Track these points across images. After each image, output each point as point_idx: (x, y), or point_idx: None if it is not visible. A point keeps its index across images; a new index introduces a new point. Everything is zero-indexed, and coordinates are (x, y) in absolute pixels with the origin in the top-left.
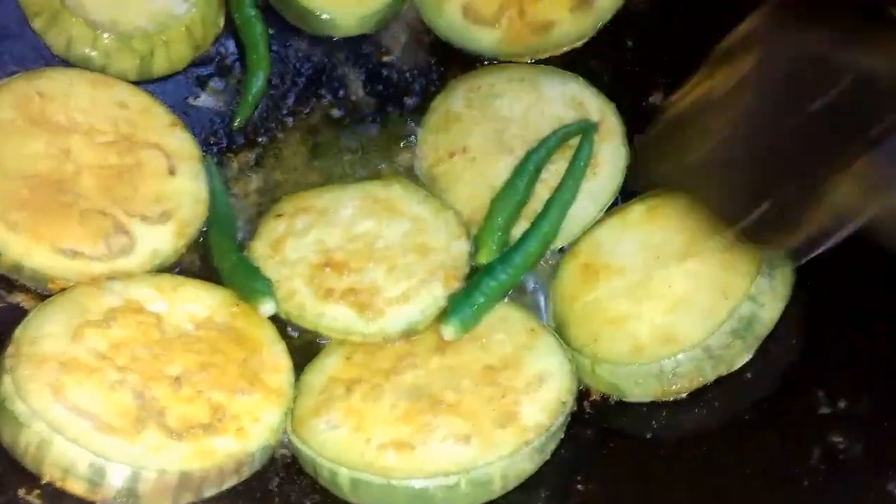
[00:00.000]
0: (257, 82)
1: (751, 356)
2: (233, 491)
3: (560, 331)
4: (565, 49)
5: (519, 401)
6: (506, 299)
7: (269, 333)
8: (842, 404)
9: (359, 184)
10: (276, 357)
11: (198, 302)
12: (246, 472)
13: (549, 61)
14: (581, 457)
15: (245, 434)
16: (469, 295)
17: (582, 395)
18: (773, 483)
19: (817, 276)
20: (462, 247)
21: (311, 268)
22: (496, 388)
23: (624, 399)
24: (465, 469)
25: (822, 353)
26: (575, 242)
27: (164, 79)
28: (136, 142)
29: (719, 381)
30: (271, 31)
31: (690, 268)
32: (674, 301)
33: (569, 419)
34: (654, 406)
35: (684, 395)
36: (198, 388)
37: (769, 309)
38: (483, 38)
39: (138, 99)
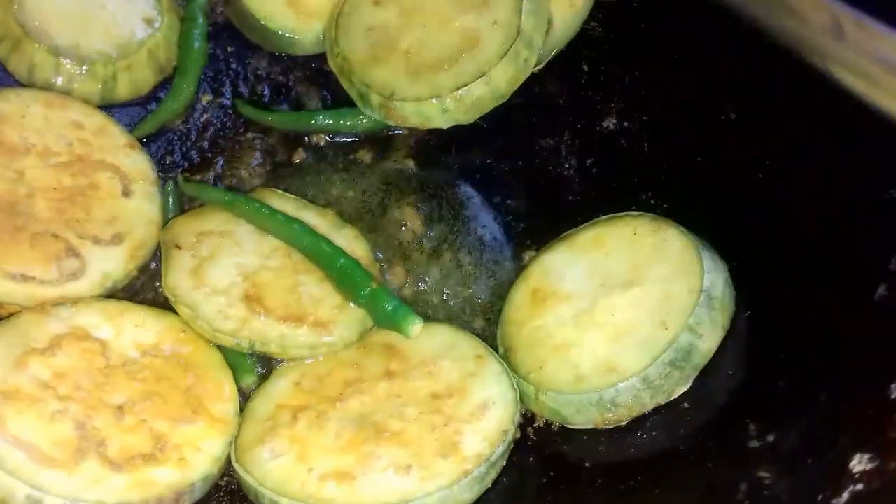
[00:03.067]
0: (173, 105)
1: (688, 386)
2: None
3: (507, 356)
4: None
5: (461, 430)
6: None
7: (216, 359)
8: (770, 438)
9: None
10: (222, 384)
11: (144, 327)
12: (186, 502)
13: None
14: (523, 486)
15: (186, 464)
16: (389, 294)
17: (526, 420)
18: None
19: (756, 308)
20: (364, 248)
21: (246, 293)
22: (440, 416)
23: (567, 425)
24: (404, 500)
25: (757, 385)
26: (526, 266)
27: (127, 104)
28: (90, 162)
29: (658, 409)
30: (231, 49)
31: (633, 296)
32: (616, 330)
33: (511, 447)
34: (595, 434)
35: (624, 423)
36: (140, 417)
37: (707, 340)
38: None
39: (94, 119)
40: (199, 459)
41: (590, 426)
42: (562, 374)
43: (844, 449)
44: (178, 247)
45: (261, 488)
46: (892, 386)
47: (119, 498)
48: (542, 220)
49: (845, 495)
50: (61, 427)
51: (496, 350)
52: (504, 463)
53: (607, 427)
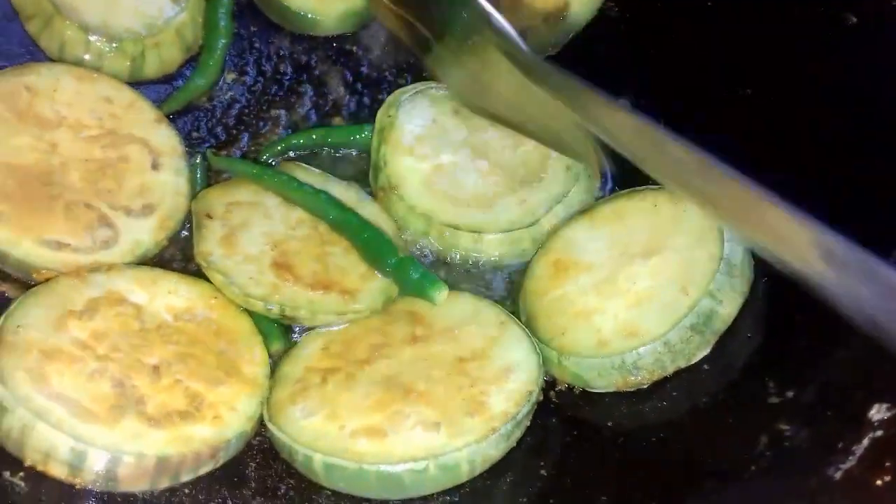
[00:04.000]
0: (199, 82)
1: (708, 351)
2: (210, 476)
3: (530, 324)
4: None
5: (487, 391)
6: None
7: (247, 325)
8: (790, 393)
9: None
10: (253, 348)
11: (177, 294)
12: (222, 459)
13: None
14: (546, 444)
15: (221, 422)
16: (415, 263)
17: (548, 385)
18: (723, 468)
19: (775, 274)
20: (388, 221)
21: (275, 261)
22: (466, 378)
23: (588, 389)
24: (434, 455)
25: (775, 346)
26: (547, 240)
27: (155, 81)
28: (120, 136)
29: (678, 372)
30: (254, 29)
31: (654, 265)
32: (637, 297)
33: (535, 408)
34: (616, 397)
35: (645, 386)
36: (176, 378)
37: (727, 305)
38: None
39: (124, 94)
40: (234, 418)
41: (611, 389)
42: (584, 340)
43: (862, 400)
44: (209, 216)
45: (295, 444)
46: None
47: (159, 450)
48: None
49: (865, 442)
50: (100, 385)
51: (518, 318)
52: (528, 423)
53: (627, 390)
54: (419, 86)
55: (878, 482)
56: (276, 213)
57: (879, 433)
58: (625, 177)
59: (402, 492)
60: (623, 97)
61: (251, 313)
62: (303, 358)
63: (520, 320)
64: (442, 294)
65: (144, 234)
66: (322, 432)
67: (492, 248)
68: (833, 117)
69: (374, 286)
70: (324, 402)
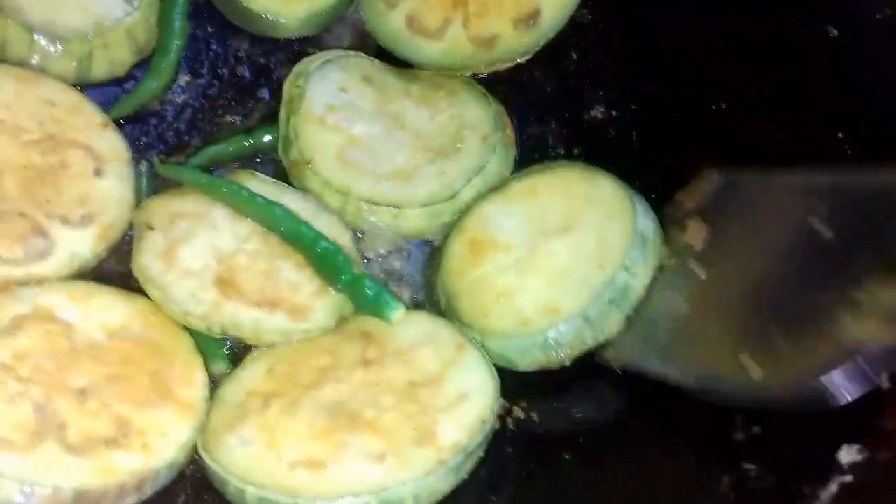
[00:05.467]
0: (150, 85)
1: (623, 325)
2: None
3: (450, 305)
4: (508, 64)
5: (438, 419)
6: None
7: (187, 345)
8: (756, 430)
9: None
10: (192, 370)
11: (112, 310)
12: (148, 490)
13: (493, 75)
14: (500, 477)
15: (150, 450)
16: (371, 280)
17: (506, 411)
18: None
19: None
20: (344, 234)
21: (219, 276)
22: (417, 405)
23: (512, 369)
24: (377, 490)
25: None
26: (461, 218)
27: (103, 84)
28: (61, 141)
29: (645, 405)
30: (211, 30)
31: (570, 241)
32: (556, 274)
33: (489, 437)
34: (578, 425)
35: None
36: (104, 402)
37: (641, 278)
38: (426, 50)
39: (68, 97)
40: (164, 446)
41: (534, 368)
42: (506, 320)
43: (832, 440)
44: (150, 227)
45: (227, 475)
46: (882, 376)
47: (77, 482)
48: None
49: (833, 487)
50: (20, 410)
51: (437, 302)
52: (482, 454)
53: (551, 368)
54: (329, 54)
55: None
56: (224, 226)
57: (849, 478)
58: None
59: None
60: (595, 105)
61: (193, 332)
62: (245, 380)
63: (435, 300)
64: (398, 313)
65: (82, 245)
66: (258, 463)
67: (412, 222)
68: (810, 129)
69: (326, 304)
70: (263, 430)
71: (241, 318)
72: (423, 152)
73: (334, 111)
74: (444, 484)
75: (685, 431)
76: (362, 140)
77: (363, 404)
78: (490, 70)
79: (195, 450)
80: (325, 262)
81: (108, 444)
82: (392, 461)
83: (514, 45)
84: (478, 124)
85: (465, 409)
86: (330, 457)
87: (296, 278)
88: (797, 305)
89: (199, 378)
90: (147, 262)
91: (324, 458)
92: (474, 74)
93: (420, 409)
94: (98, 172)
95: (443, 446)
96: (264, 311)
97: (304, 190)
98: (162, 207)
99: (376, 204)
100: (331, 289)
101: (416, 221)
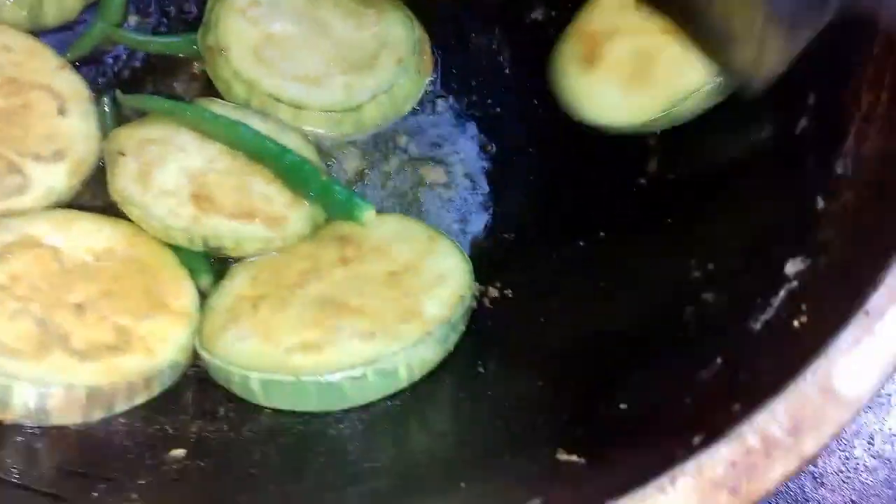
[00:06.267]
0: (101, 27)
1: None
2: (145, 405)
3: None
4: None
5: (420, 299)
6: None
7: (171, 261)
8: (710, 266)
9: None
10: (180, 282)
11: (96, 234)
12: (157, 388)
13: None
14: (482, 347)
15: (152, 352)
16: (340, 185)
17: (482, 293)
18: (658, 339)
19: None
20: (310, 149)
21: (195, 193)
22: (398, 290)
23: None
24: (371, 361)
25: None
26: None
27: (56, 30)
28: (23, 84)
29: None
30: None
31: None
32: None
33: (469, 312)
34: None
35: None
36: (101, 314)
37: None
38: None
39: (23, 42)
40: (165, 348)
41: None
42: None
43: (780, 258)
44: (121, 153)
45: (230, 367)
46: (818, 198)
47: (89, 381)
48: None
49: (782, 293)
50: (23, 324)
51: None
52: (463, 328)
53: None
54: None
55: (796, 323)
56: (192, 148)
57: (794, 283)
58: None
59: (343, 401)
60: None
61: (176, 249)
62: (232, 288)
63: None
64: (370, 214)
65: (57, 179)
66: (257, 352)
67: (311, 122)
68: None
69: (300, 213)
70: (257, 326)
71: (221, 229)
72: (338, 63)
73: (258, 6)
74: (432, 354)
75: (647, 280)
76: (280, 39)
77: (348, 295)
78: None
79: (195, 353)
80: (293, 174)
81: (111, 349)
82: (382, 337)
83: None
84: (397, 45)
85: (444, 288)
86: (324, 339)
87: (268, 192)
88: None
89: (189, 288)
90: (123, 184)
91: (318, 341)
92: None
93: (402, 293)
94: (62, 111)
95: (427, 320)
96: (242, 223)
97: (214, 77)
98: (130, 136)
99: (279, 101)
100: (303, 199)
101: (315, 123)
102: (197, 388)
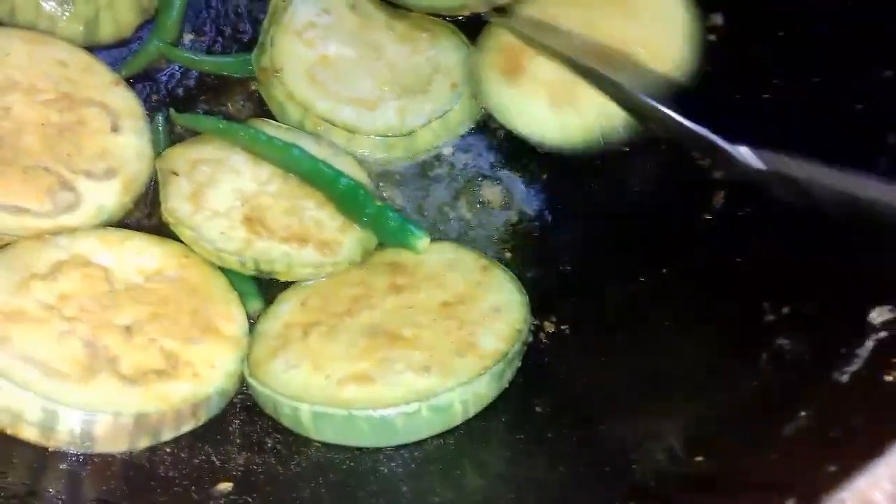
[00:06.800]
0: (156, 44)
1: None
2: (191, 434)
3: None
4: (501, 2)
5: (475, 332)
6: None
7: (222, 284)
8: (785, 310)
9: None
10: (230, 307)
11: (146, 254)
12: (203, 416)
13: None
14: (538, 383)
15: (201, 379)
16: (394, 211)
17: (537, 327)
18: (726, 385)
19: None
20: (362, 173)
21: (247, 216)
22: (453, 321)
23: None
24: (426, 396)
25: (765, 265)
26: None
27: (111, 46)
28: (77, 100)
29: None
30: None
31: None
32: None
33: (525, 348)
34: (606, 330)
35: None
36: (150, 337)
37: None
38: None
39: (78, 57)
40: (214, 374)
41: None
42: None
43: (861, 305)
44: (174, 173)
45: (280, 397)
46: None
47: (137, 408)
48: None
49: (869, 343)
50: (70, 346)
51: None
52: (519, 363)
53: None
54: None
55: (888, 378)
56: (245, 169)
57: (883, 334)
58: None
59: (396, 437)
60: None
61: (226, 272)
62: (281, 315)
63: None
64: (424, 241)
65: (108, 197)
66: (307, 383)
67: (364, 146)
68: None
69: (351, 238)
70: (306, 354)
71: (273, 253)
72: (392, 86)
73: (314, 28)
74: (488, 389)
75: (715, 319)
76: (334, 61)
77: (400, 325)
78: (486, 8)
79: (243, 380)
80: (347, 198)
81: (159, 374)
82: (437, 370)
83: None
84: (451, 71)
85: (500, 321)
86: (377, 371)
87: (320, 216)
88: None
89: (238, 313)
90: (175, 205)
91: (371, 373)
92: (471, 16)
93: (456, 325)
94: (115, 128)
95: (484, 354)
96: (294, 247)
97: (268, 98)
98: (183, 155)
99: (333, 124)
100: (355, 224)
101: (368, 147)
102: (244, 418)
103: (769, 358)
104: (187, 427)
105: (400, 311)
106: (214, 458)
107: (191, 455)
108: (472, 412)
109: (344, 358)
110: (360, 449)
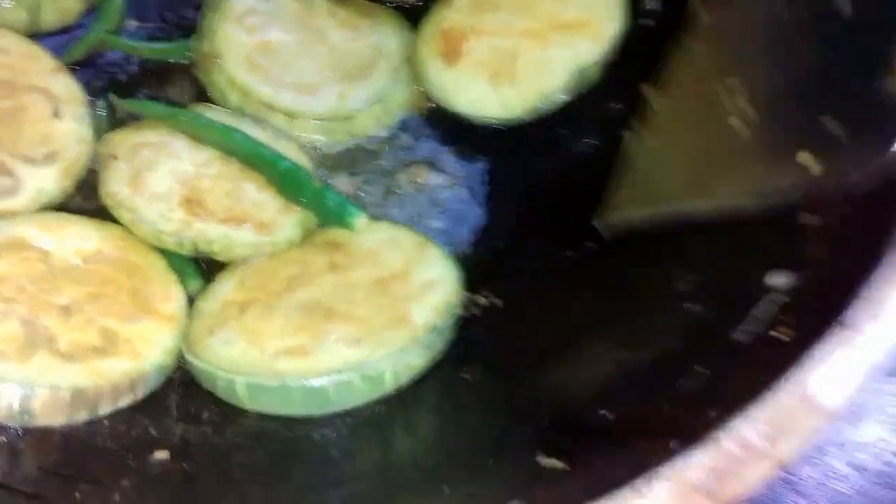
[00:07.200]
0: (100, 31)
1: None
2: (130, 408)
3: None
4: None
5: (408, 306)
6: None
7: (160, 265)
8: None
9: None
10: (168, 286)
11: (85, 237)
12: (142, 391)
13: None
14: (469, 355)
15: (138, 355)
16: (332, 191)
17: (470, 301)
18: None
19: None
20: (303, 157)
21: (186, 197)
22: (387, 297)
23: None
24: (357, 366)
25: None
26: None
27: (55, 33)
28: (18, 86)
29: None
30: None
31: None
32: None
33: (457, 321)
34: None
35: None
36: (88, 317)
37: None
38: None
39: (20, 45)
40: (151, 351)
41: None
42: None
43: (761, 268)
44: (114, 157)
45: (216, 371)
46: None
47: (74, 383)
48: None
49: (763, 304)
50: (7, 325)
51: None
52: (450, 335)
53: None
54: None
55: (775, 334)
56: (185, 153)
57: (776, 295)
58: None
59: (328, 405)
60: None
61: (165, 253)
62: (220, 293)
63: None
64: (362, 220)
65: (48, 182)
66: (243, 357)
67: (304, 130)
68: None
69: (291, 219)
70: (244, 331)
71: (211, 234)
72: (333, 71)
73: (254, 14)
74: (418, 360)
75: (632, 290)
76: (275, 47)
77: (336, 301)
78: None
79: (181, 356)
80: (286, 179)
81: (97, 352)
82: (368, 342)
83: None
84: (392, 55)
85: (432, 295)
86: (311, 345)
87: (259, 198)
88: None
89: (177, 292)
90: (115, 188)
91: (305, 346)
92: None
93: (390, 301)
94: (56, 114)
95: (415, 327)
96: (232, 227)
97: (208, 83)
98: (124, 139)
99: (273, 109)
100: (294, 205)
101: (308, 131)
102: (182, 392)
103: (679, 322)
104: (125, 401)
105: (336, 288)
106: (152, 430)
107: (129, 427)
108: (403, 381)
109: (279, 333)
110: (294, 418)
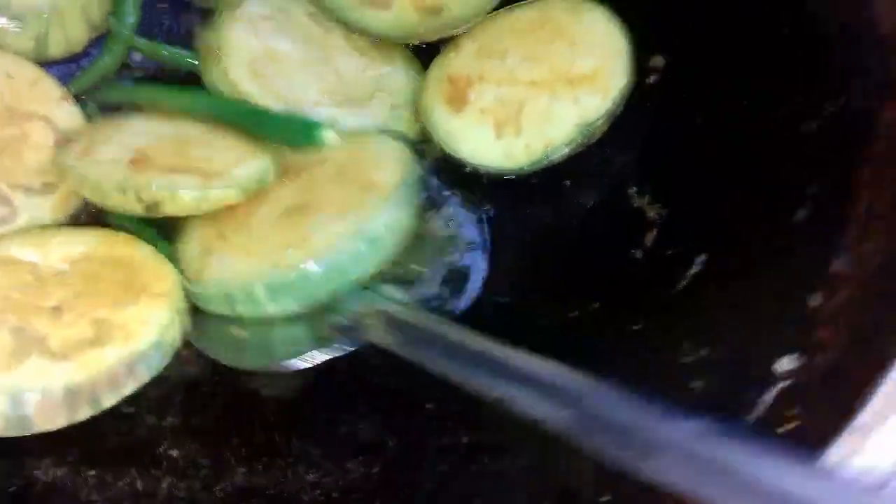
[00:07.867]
0: (106, 61)
1: None
2: (116, 459)
3: None
4: (453, 32)
5: (371, 175)
6: None
7: (148, 252)
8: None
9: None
10: (158, 266)
11: (71, 244)
12: (144, 374)
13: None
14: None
15: (133, 336)
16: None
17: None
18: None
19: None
20: None
21: (133, 160)
22: (349, 177)
23: None
24: (356, 233)
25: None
26: None
27: (61, 62)
28: (21, 113)
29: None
30: (163, 5)
31: None
32: None
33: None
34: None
35: None
36: (79, 312)
37: None
38: (376, 20)
39: (26, 71)
40: (146, 330)
41: None
42: None
43: (771, 353)
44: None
45: (228, 288)
46: (811, 296)
47: (65, 380)
48: None
49: (773, 391)
50: None
51: None
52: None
53: None
54: None
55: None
56: (142, 130)
57: (786, 383)
58: None
59: (347, 276)
60: None
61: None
62: (193, 236)
63: None
64: (329, 133)
65: (44, 212)
66: (247, 266)
67: None
68: None
69: (246, 166)
70: (235, 250)
71: (153, 183)
72: (331, 95)
73: (269, 20)
74: (403, 214)
75: (634, 358)
76: (281, 58)
77: (307, 198)
78: (434, 38)
79: (184, 331)
80: (251, 117)
81: (91, 343)
82: (353, 212)
83: (459, 13)
84: (395, 93)
85: (389, 159)
86: (304, 234)
87: (209, 153)
88: None
89: (169, 271)
90: (63, 158)
91: (301, 237)
92: (421, 44)
93: (354, 178)
94: (58, 143)
95: (384, 186)
96: (176, 175)
97: (207, 83)
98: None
99: None
100: (265, 141)
101: None
102: (171, 440)
103: (680, 399)
104: (129, 388)
105: (301, 191)
106: (138, 483)
107: (115, 478)
108: (399, 239)
109: (270, 238)
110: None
